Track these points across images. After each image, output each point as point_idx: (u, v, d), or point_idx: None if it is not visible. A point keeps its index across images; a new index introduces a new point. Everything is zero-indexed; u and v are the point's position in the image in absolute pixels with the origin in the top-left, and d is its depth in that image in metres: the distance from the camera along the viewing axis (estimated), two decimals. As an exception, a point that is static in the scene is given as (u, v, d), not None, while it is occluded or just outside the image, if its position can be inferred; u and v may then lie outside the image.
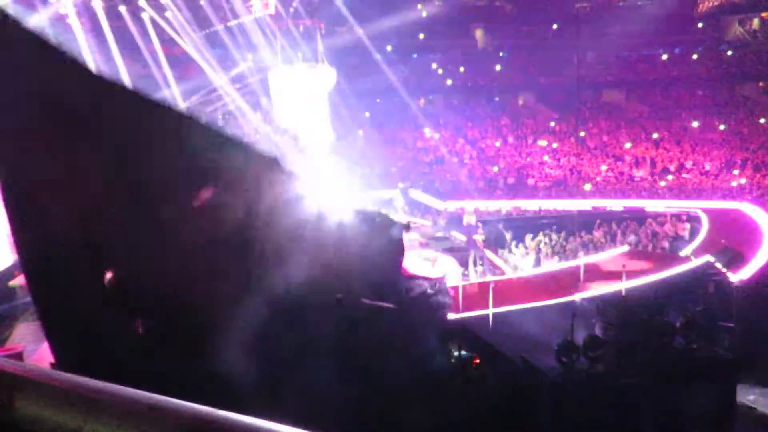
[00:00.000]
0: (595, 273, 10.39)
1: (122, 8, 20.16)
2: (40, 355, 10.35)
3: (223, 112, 26.20)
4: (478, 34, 31.35)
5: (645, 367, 6.61)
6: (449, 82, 32.57)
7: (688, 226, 15.60)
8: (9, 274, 15.09)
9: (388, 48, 31.33)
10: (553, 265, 13.47)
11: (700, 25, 28.53)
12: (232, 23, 22.51)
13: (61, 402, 1.18)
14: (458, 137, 29.83)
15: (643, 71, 29.63)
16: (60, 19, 19.06)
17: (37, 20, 18.19)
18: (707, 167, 23.25)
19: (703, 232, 14.69)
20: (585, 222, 16.57)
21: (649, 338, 6.96)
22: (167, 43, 22.12)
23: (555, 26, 26.67)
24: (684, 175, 23.00)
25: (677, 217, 16.66)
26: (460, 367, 7.10)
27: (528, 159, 26.90)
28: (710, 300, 9.95)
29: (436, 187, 22.89)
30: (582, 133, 27.26)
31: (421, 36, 30.56)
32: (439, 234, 15.55)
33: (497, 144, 28.61)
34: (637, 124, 27.38)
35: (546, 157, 26.75)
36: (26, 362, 8.02)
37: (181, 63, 23.40)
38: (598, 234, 15.65)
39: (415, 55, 32.22)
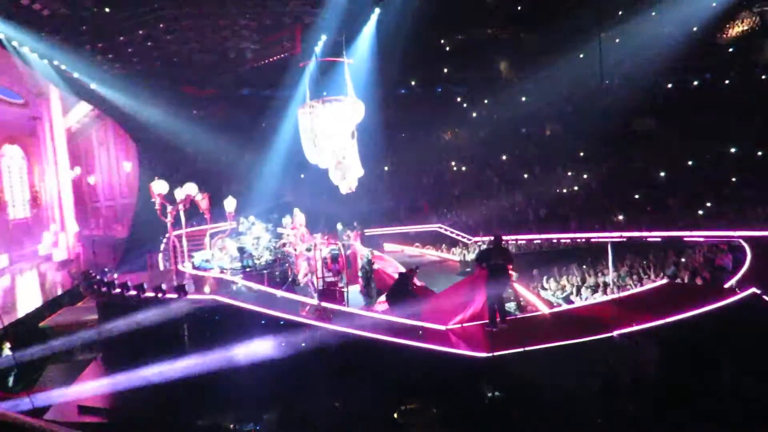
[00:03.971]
0: (633, 307, 9.88)
1: (155, 53, 21.02)
2: (68, 397, 10.35)
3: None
4: (503, 65, 31.41)
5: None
6: (474, 114, 32.56)
7: (730, 256, 14.88)
8: (39, 315, 15.29)
9: (413, 82, 31.63)
10: (587, 299, 12.98)
11: (730, 50, 27.97)
12: (260, 63, 23.17)
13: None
14: (485, 169, 29.59)
15: (673, 97, 29.05)
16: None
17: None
18: (746, 194, 22.37)
19: (747, 262, 13.98)
20: (619, 253, 16.01)
21: (694, 376, 6.53)
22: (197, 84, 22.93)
23: (581, 55, 26.48)
24: (722, 204, 22.17)
25: (718, 246, 15.95)
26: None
27: (557, 189, 26.42)
28: (758, 334, 9.35)
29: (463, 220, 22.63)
30: (612, 162, 26.72)
31: (445, 69, 30.74)
32: (468, 270, 15.25)
33: (525, 175, 28.24)
34: (669, 151, 26.72)
35: (576, 187, 26.24)
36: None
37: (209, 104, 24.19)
38: (634, 266, 15.06)
39: (440, 89, 32.41)
